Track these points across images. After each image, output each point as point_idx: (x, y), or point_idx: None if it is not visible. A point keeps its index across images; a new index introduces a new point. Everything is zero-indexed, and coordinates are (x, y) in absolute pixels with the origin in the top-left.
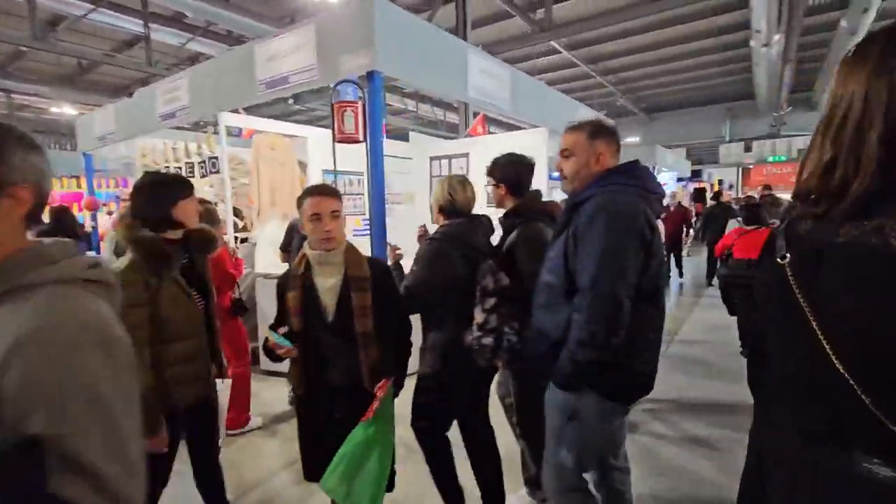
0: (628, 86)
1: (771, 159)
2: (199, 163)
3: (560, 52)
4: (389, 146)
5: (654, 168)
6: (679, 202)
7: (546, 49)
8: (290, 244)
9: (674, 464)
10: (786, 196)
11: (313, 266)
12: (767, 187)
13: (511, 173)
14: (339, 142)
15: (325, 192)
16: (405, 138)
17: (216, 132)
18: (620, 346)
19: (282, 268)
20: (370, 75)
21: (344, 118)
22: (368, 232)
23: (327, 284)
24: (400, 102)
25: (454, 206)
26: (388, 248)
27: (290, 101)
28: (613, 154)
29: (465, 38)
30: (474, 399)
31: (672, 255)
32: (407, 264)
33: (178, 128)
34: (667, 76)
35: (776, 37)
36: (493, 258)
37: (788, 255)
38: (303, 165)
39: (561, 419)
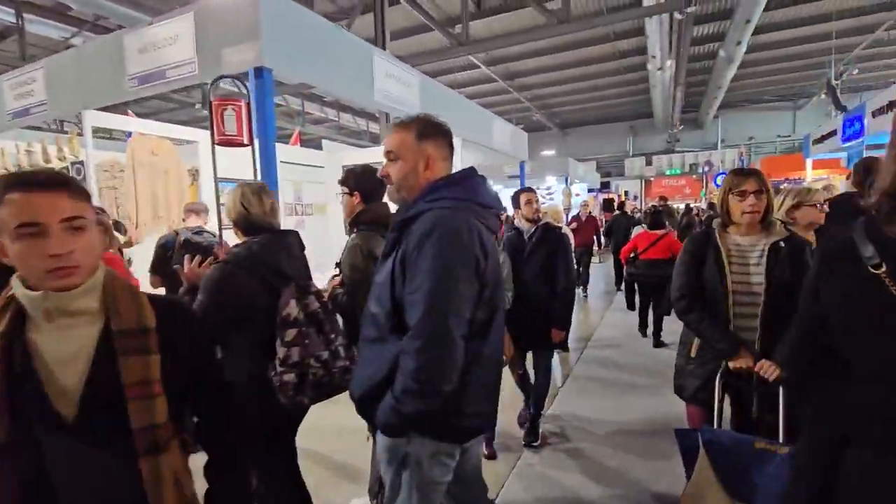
0: (543, 102)
1: (668, 172)
2: (62, 168)
3: (479, 68)
4: (298, 154)
5: (567, 179)
6: (590, 212)
7: (465, 64)
8: (164, 265)
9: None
10: (680, 205)
11: (32, 319)
12: (663, 198)
13: (365, 183)
14: (220, 144)
15: (43, 183)
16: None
17: (81, 133)
18: (452, 390)
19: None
20: (258, 72)
21: (224, 118)
22: None
23: (64, 351)
24: (320, 111)
25: (249, 220)
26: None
27: (198, 105)
28: (445, 158)
29: (384, 49)
30: (278, 448)
31: (581, 264)
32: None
33: (34, 128)
34: (577, 94)
35: (668, 62)
36: (304, 280)
37: (884, 263)
38: (195, 173)
39: (393, 468)
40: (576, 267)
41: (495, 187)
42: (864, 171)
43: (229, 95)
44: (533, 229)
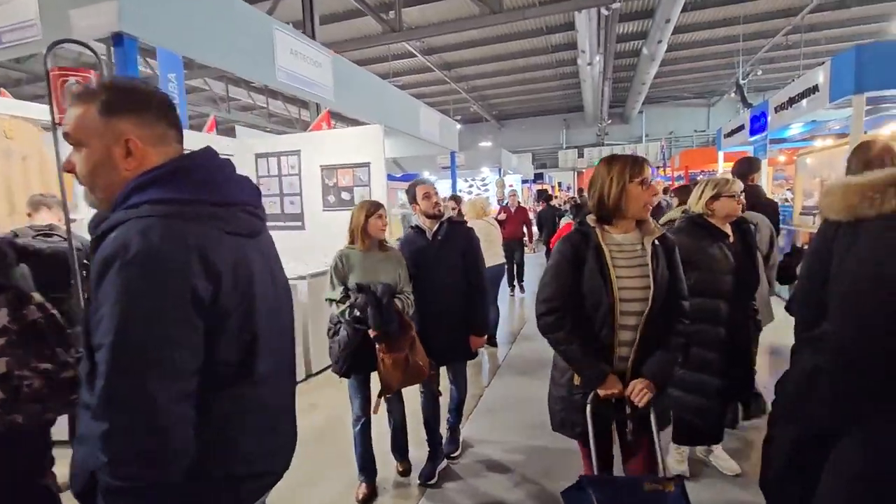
0: (480, 94)
1: (597, 164)
2: None
3: (415, 56)
4: (198, 141)
5: (500, 171)
6: (519, 202)
7: (401, 52)
8: None
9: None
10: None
11: None
12: (581, 190)
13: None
14: (63, 125)
15: None
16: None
17: None
18: (198, 457)
19: None
20: (117, 39)
21: (66, 93)
22: None
23: None
24: (248, 98)
25: None
26: None
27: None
28: (161, 139)
29: (312, 34)
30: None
31: (513, 258)
32: None
33: None
34: (513, 87)
35: (597, 57)
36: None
37: None
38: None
39: None
40: (505, 261)
41: (429, 179)
42: (747, 165)
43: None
44: (437, 226)
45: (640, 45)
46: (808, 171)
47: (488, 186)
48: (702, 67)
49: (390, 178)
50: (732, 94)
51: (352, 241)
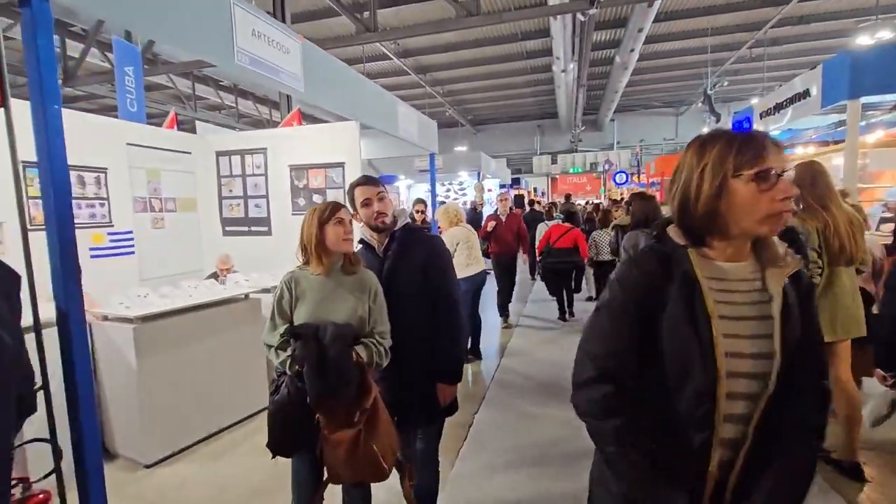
0: (456, 98)
1: (571, 170)
2: None
3: (390, 59)
4: (152, 135)
5: (479, 174)
6: (512, 209)
7: (376, 54)
8: None
9: None
10: (581, 201)
11: None
12: (568, 196)
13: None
14: None
15: None
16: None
17: None
18: None
19: None
20: (24, 1)
21: None
22: (113, 252)
23: None
24: (216, 96)
25: None
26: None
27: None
28: None
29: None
30: None
31: (508, 277)
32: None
33: None
34: (488, 91)
35: (571, 65)
36: None
37: None
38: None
39: None
40: (491, 270)
41: (405, 182)
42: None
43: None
44: (386, 241)
45: (613, 54)
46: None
47: (466, 191)
48: (671, 77)
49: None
50: (700, 104)
51: (305, 261)
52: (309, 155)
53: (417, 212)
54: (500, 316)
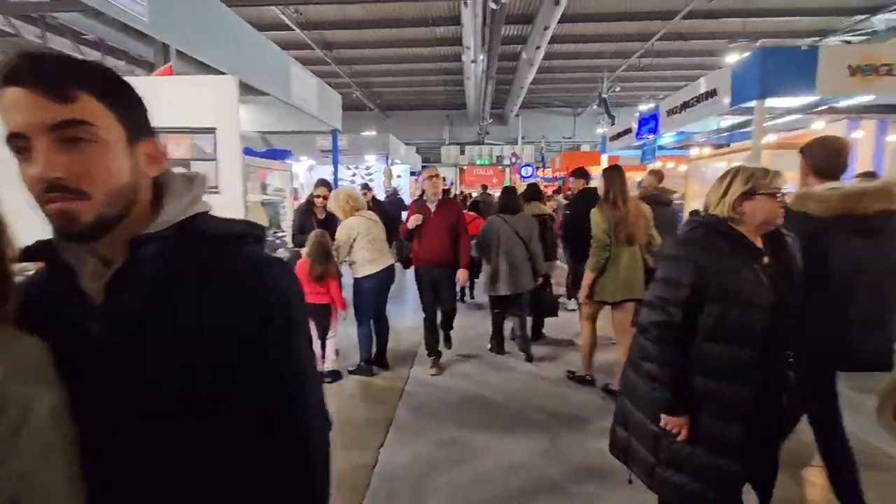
0: (363, 80)
1: (479, 162)
2: None
3: (292, 29)
4: None
5: (388, 159)
6: (451, 195)
7: (274, 22)
8: None
9: None
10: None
11: None
12: (485, 186)
13: None
14: None
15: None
16: None
17: None
18: None
19: None
20: None
21: None
22: None
23: None
24: (75, 51)
25: None
26: None
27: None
28: None
29: None
30: None
31: (441, 296)
32: None
33: None
34: (397, 76)
35: (481, 56)
36: None
37: None
38: None
39: None
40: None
41: (306, 162)
42: (656, 174)
43: None
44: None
45: (520, 50)
46: (701, 178)
47: (374, 176)
48: (571, 79)
49: (249, 152)
50: (595, 106)
51: None
52: (168, 115)
53: (318, 197)
54: (429, 356)
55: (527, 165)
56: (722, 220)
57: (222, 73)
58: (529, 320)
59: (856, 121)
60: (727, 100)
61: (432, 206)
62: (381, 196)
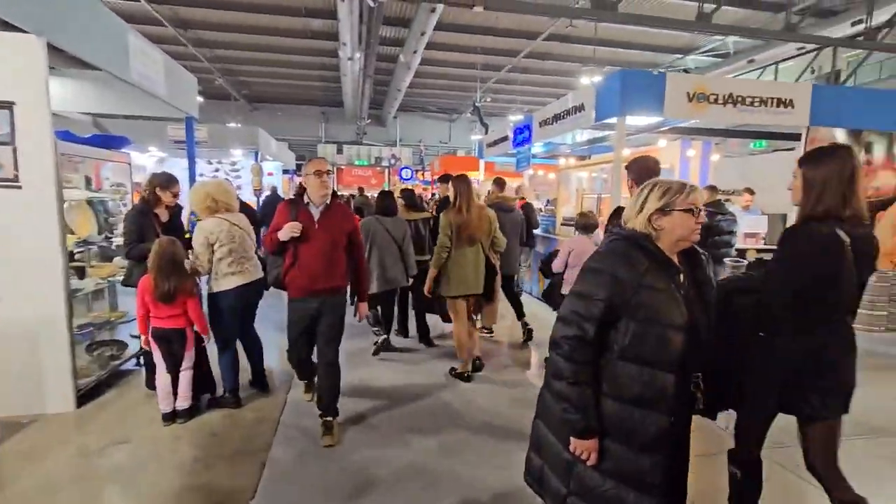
0: (227, 66)
1: (357, 162)
2: None
3: (138, 1)
4: None
5: (257, 155)
6: (341, 197)
7: None
8: None
9: None
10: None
11: None
12: (361, 188)
13: None
14: None
15: None
16: None
17: None
18: None
19: None
20: None
21: None
22: None
23: None
24: None
25: None
26: None
27: None
28: None
29: None
30: None
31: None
32: None
33: None
34: (269, 67)
35: (358, 54)
36: None
37: None
38: None
39: None
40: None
41: (156, 154)
42: (499, 184)
43: None
44: None
45: (397, 52)
46: (568, 185)
47: (241, 173)
48: (447, 86)
49: (67, 137)
50: (469, 114)
51: None
52: None
53: (153, 192)
54: (300, 379)
55: (406, 168)
56: (642, 234)
57: (24, 32)
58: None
59: (688, 141)
60: (593, 114)
61: (316, 213)
62: (249, 196)
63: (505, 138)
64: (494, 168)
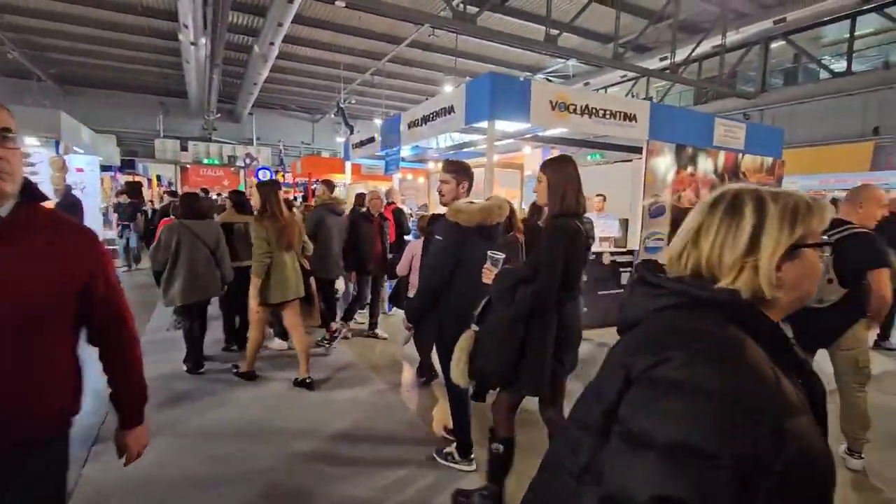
0: (26, 38)
1: (206, 161)
2: None
3: None
4: None
5: (59, 145)
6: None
7: None
8: None
9: None
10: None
11: None
12: (205, 189)
13: None
14: None
15: None
16: None
17: None
18: None
19: None
20: None
21: None
22: None
23: None
24: None
25: None
26: None
27: None
28: None
29: None
30: None
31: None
32: None
33: None
34: (86, 44)
35: (203, 39)
36: None
37: None
38: None
39: None
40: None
41: None
42: (328, 185)
43: None
44: None
45: (252, 42)
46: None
47: (37, 167)
48: (310, 84)
49: None
50: (333, 115)
51: None
52: None
53: None
54: None
55: (264, 168)
56: (748, 304)
57: None
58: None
59: (548, 149)
60: (462, 117)
61: None
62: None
63: (372, 139)
64: (362, 171)
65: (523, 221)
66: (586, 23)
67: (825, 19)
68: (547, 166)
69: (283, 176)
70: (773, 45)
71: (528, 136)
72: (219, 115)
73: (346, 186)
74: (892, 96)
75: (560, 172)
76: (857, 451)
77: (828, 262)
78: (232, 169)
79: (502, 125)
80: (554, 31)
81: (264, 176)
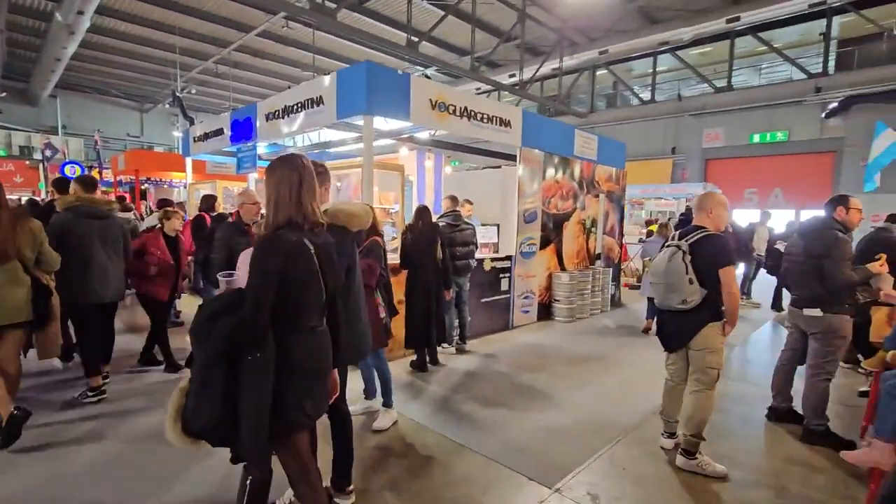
0: None
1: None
2: None
3: None
4: None
5: None
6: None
7: None
8: None
9: None
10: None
11: None
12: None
13: None
14: None
15: None
16: None
17: None
18: None
19: None
20: None
21: None
22: None
23: None
24: None
25: None
26: None
27: None
28: None
29: None
30: None
31: None
32: None
33: None
34: None
35: None
36: None
37: None
38: None
39: None
40: None
41: None
42: (83, 183)
43: None
44: None
45: (52, 8)
46: None
47: None
48: (134, 66)
49: None
50: (168, 105)
51: None
52: None
53: None
54: None
55: (72, 163)
56: None
57: None
58: None
59: (424, 151)
60: (334, 111)
61: None
62: None
63: (220, 132)
64: (206, 169)
65: (408, 227)
66: (443, 35)
67: (634, 55)
68: (266, 171)
69: (101, 173)
70: (599, 73)
71: (404, 136)
72: (4, 94)
73: (186, 187)
74: (684, 122)
75: (271, 177)
76: (691, 452)
77: (688, 263)
78: (28, 162)
79: (378, 122)
80: (414, 39)
81: (73, 172)
